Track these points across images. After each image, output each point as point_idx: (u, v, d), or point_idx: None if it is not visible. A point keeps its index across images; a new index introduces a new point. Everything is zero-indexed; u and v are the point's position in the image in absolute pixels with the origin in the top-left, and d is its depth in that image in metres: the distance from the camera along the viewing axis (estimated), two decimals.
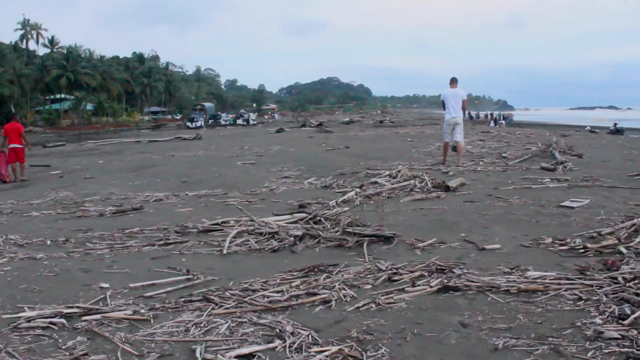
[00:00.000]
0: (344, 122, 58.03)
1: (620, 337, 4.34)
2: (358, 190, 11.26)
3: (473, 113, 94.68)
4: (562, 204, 9.78)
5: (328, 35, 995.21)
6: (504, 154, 18.00)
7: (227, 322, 4.82)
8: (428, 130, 36.52)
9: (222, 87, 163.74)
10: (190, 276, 6.20)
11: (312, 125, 49.49)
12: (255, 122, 76.00)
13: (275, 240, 7.63)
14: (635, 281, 5.38)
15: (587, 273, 5.79)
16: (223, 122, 72.93)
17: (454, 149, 16.38)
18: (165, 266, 6.69)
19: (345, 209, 9.11)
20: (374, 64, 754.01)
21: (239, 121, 74.78)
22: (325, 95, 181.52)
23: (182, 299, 5.43)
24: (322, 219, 8.38)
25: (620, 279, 5.49)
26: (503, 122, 64.11)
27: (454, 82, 16.35)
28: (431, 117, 70.38)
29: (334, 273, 6.10)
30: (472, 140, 25.33)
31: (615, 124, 50.21)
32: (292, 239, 7.55)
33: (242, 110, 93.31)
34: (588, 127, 51.29)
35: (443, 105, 16.39)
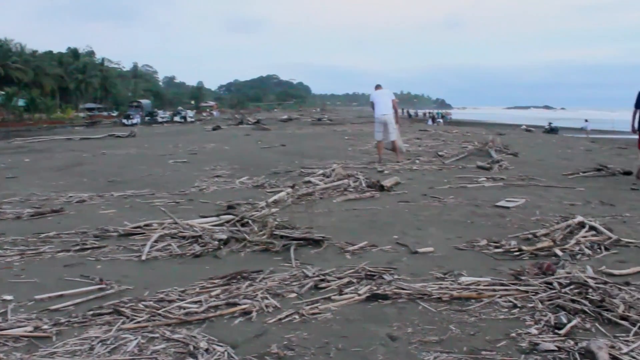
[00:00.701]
0: (282, 120, 57.76)
1: (556, 348, 4.08)
2: (290, 190, 10.88)
3: (412, 112, 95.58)
4: (497, 203, 9.60)
5: (268, 33, 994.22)
6: (440, 153, 17.91)
7: (136, 338, 4.38)
8: (366, 128, 36.32)
9: (160, 84, 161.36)
10: (103, 285, 5.72)
11: (250, 122, 49.00)
12: (192, 120, 75.04)
13: (199, 244, 7.19)
14: (571, 287, 5.14)
15: (522, 278, 5.53)
16: (160, 120, 71.86)
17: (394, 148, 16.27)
18: (78, 274, 6.18)
19: (275, 210, 8.73)
20: (313, 62, 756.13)
21: (177, 118, 73.83)
22: (264, 93, 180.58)
23: (91, 312, 4.95)
24: (249, 221, 7.97)
25: (555, 284, 5.24)
26: (441, 120, 64.81)
27: (378, 87, 16.57)
28: (370, 115, 70.18)
29: (258, 280, 5.70)
30: (410, 138, 25.25)
31: (550, 124, 51.22)
32: (217, 243, 7.12)
33: (179, 108, 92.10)
34: (524, 126, 52.12)
35: (373, 106, 16.29)
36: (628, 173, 13.41)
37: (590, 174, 13.42)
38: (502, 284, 5.37)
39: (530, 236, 7.21)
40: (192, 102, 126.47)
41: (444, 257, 6.53)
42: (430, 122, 60.81)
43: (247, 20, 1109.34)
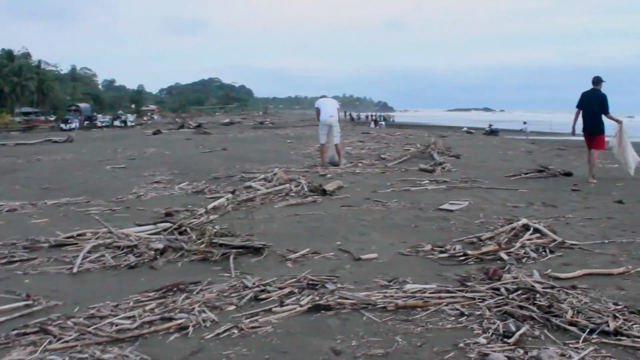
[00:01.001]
0: (224, 124, 57.11)
1: (506, 359, 3.92)
2: (230, 196, 10.60)
3: (354, 114, 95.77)
4: (441, 207, 9.51)
5: (209, 35, 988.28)
6: (383, 155, 17.83)
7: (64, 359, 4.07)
8: (308, 131, 36.19)
9: (100, 87, 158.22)
10: (30, 302, 5.35)
11: (191, 126, 48.30)
12: (133, 124, 73.78)
13: (134, 255, 6.86)
14: (519, 292, 5.01)
15: (469, 284, 5.38)
16: (99, 124, 70.40)
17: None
18: (3, 290, 5.78)
19: (215, 217, 8.44)
20: (256, 65, 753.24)
21: (116, 122, 72.38)
22: (206, 97, 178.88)
23: (15, 332, 4.58)
24: (187, 229, 7.67)
25: (503, 290, 5.11)
26: (383, 123, 65.04)
27: (324, 97, 16.59)
28: (312, 119, 70.25)
29: (195, 292, 5.41)
30: (352, 141, 25.21)
31: (491, 125, 51.80)
32: (153, 252, 6.80)
33: (119, 112, 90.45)
34: (465, 128, 52.65)
35: (317, 112, 16.05)
36: (568, 174, 13.52)
37: (532, 176, 13.48)
38: (448, 291, 5.21)
39: (475, 240, 7.10)
40: (133, 105, 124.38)
41: (389, 263, 6.36)
42: (372, 125, 60.87)
43: (188, 22, 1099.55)
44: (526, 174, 13.64)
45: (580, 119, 13.13)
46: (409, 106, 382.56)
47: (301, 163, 16.65)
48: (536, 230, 7.20)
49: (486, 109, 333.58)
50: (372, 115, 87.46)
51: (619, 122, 13.07)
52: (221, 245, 6.91)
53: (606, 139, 13.23)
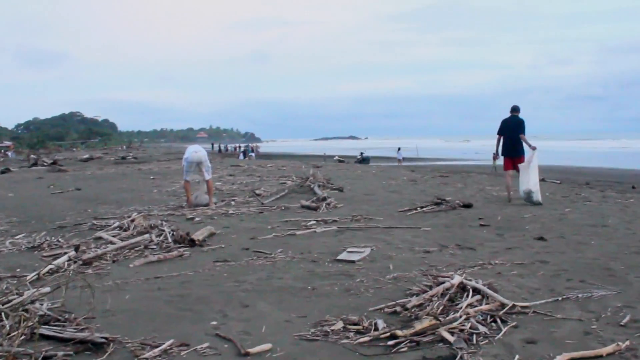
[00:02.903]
0: (83, 160, 53.37)
1: None
2: (73, 253, 8.33)
3: (222, 146, 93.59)
4: (339, 257, 7.69)
5: (69, 68, 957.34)
6: (257, 191, 15.82)
7: None
8: (174, 165, 33.63)
9: None
10: None
11: (46, 163, 44.52)
12: None
13: None
14: None
15: None
16: None
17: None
18: None
19: (45, 290, 6.20)
20: (119, 98, 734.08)
21: None
22: (67, 131, 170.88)
23: None
24: (2, 313, 5.43)
25: None
26: (253, 154, 63.16)
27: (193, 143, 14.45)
28: (178, 152, 67.38)
29: None
30: (222, 175, 23.10)
31: (362, 153, 51.19)
32: None
33: None
34: (336, 157, 51.69)
35: (185, 161, 13.83)
36: (468, 206, 12.18)
37: (429, 209, 11.96)
38: None
39: (398, 309, 5.30)
40: None
41: (289, 356, 4.44)
42: (242, 156, 58.81)
43: (45, 54, 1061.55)
44: (422, 207, 12.13)
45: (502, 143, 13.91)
46: (276, 136, 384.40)
47: (165, 203, 14.40)
48: (475, 291, 5.48)
49: (352, 137, 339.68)
50: (240, 147, 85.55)
51: (532, 148, 13.35)
52: (47, 337, 4.77)
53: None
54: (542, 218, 10.83)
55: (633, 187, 21.43)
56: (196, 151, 13.59)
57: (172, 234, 9.28)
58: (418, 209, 12.01)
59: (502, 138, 13.85)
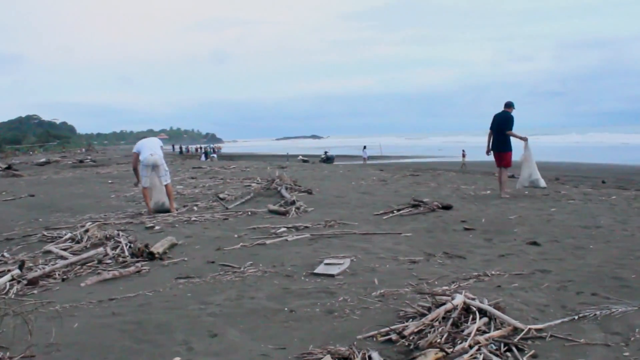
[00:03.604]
0: (40, 163, 51.76)
1: None
2: (17, 272, 7.39)
3: (183, 147, 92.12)
4: (316, 270, 6.87)
5: (25, 71, 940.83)
6: (221, 195, 14.89)
7: None
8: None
9: None
10: None
11: (0, 168, 42.97)
12: None
13: None
14: None
15: None
16: None
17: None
18: None
19: None
20: (77, 101, 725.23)
21: None
22: (24, 135, 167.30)
23: None
24: None
25: None
26: (215, 155, 62.05)
27: (148, 134, 13.40)
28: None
29: None
30: (183, 178, 22.15)
31: (326, 152, 50.61)
32: None
33: None
34: (300, 157, 50.99)
35: (136, 158, 12.87)
36: (448, 207, 11.43)
37: (406, 212, 11.22)
38: None
39: (395, 337, 4.52)
40: None
41: None
42: (203, 157, 57.63)
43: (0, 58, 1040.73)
44: (399, 210, 11.37)
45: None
46: (237, 137, 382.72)
47: (123, 210, 13.43)
48: (480, 312, 4.71)
49: (314, 136, 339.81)
50: (201, 148, 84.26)
51: (523, 139, 13.52)
52: None
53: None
54: (529, 219, 10.14)
55: (603, 182, 21.24)
56: (152, 153, 12.58)
57: (130, 247, 8.40)
58: (395, 211, 11.25)
59: (493, 134, 13.83)
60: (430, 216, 10.79)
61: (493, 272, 6.53)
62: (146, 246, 8.21)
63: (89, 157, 59.30)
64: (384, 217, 10.84)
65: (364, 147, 50.70)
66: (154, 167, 12.49)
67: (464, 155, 40.59)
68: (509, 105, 13.82)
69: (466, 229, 9.38)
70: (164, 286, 6.54)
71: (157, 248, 8.15)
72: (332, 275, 6.64)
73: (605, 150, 61.04)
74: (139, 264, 7.62)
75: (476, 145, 69.92)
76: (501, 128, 13.59)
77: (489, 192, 14.61)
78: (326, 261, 7.18)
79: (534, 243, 8.12)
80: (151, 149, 12.58)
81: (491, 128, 13.82)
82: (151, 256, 7.94)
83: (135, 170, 13.02)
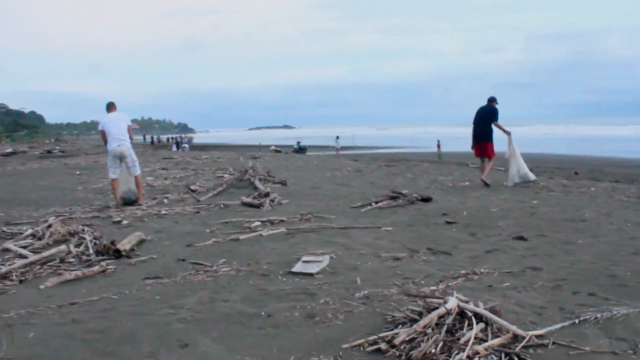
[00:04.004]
0: (5, 154, 50.69)
1: None
2: None
3: (154, 137, 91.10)
4: (293, 269, 6.45)
5: None
6: (192, 187, 14.39)
7: None
8: (102, 159, 31.59)
9: None
10: None
11: None
12: None
13: None
14: None
15: None
16: None
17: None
18: None
19: None
20: (46, 89, 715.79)
21: None
22: None
23: None
24: None
25: None
26: (186, 145, 61.27)
27: (112, 106, 12.47)
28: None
29: None
30: (153, 169, 21.55)
31: (299, 143, 50.21)
32: None
33: None
34: (273, 147, 50.51)
35: (103, 136, 12.23)
36: (427, 199, 11.10)
37: (385, 204, 10.84)
38: None
39: (383, 345, 4.12)
40: None
41: None
42: (175, 148, 56.81)
43: None
44: (377, 202, 10.99)
45: None
46: (210, 127, 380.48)
47: (90, 203, 12.87)
48: (476, 317, 4.32)
49: (286, 126, 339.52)
50: (173, 138, 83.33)
51: (507, 132, 13.53)
52: None
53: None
54: (512, 212, 9.82)
55: (576, 173, 21.27)
56: (119, 144, 11.99)
57: (95, 243, 7.89)
58: (373, 204, 10.88)
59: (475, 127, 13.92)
60: (410, 209, 10.43)
61: (482, 270, 6.16)
62: (112, 243, 7.72)
63: (57, 148, 58.32)
64: (362, 210, 10.47)
65: (337, 138, 50.27)
66: (121, 157, 11.97)
67: (439, 146, 40.61)
68: (493, 100, 14.01)
69: (448, 223, 9.03)
70: (131, 288, 6.07)
71: (124, 245, 7.66)
72: (311, 274, 6.22)
73: (573, 141, 61.49)
74: (104, 263, 7.13)
75: (448, 136, 69.99)
76: (485, 119, 13.67)
77: (467, 183, 14.32)
78: (304, 258, 6.76)
79: (521, 238, 7.78)
80: (117, 138, 11.98)
81: (474, 122, 13.89)
82: (117, 254, 7.45)
83: (106, 145, 12.44)
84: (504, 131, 13.51)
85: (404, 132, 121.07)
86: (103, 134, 12.17)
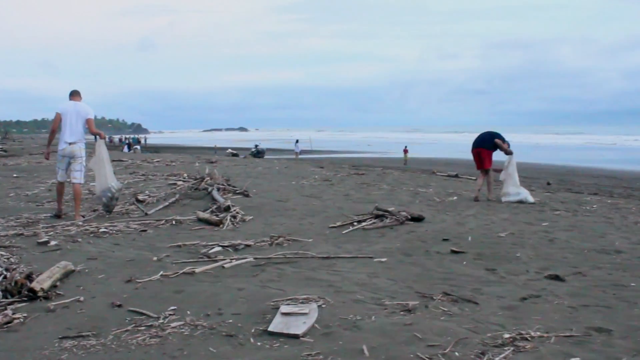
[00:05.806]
0: None
1: None
2: None
3: (107, 138, 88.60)
4: (271, 328, 4.66)
5: None
6: (140, 197, 12.45)
7: None
8: (49, 160, 29.40)
9: None
10: None
11: None
12: None
13: None
14: None
15: None
16: None
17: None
18: None
19: None
20: None
21: None
22: None
23: None
24: None
25: None
26: (138, 147, 59.01)
27: (76, 94, 10.77)
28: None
29: None
30: None
31: (257, 146, 48.54)
32: None
33: None
34: (229, 150, 48.73)
35: (55, 123, 10.56)
36: (419, 219, 9.43)
37: (370, 224, 9.15)
38: None
39: None
40: None
41: None
42: (126, 149, 54.39)
43: None
44: (360, 222, 9.31)
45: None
46: (163, 127, 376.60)
47: (18, 214, 10.82)
48: None
49: (241, 129, 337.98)
50: (125, 138, 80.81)
51: (509, 153, 12.95)
52: None
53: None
54: (526, 238, 8.22)
55: (548, 184, 21.37)
56: (71, 142, 10.17)
57: (4, 277, 6.02)
58: (355, 223, 9.19)
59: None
60: (401, 231, 8.76)
61: (532, 333, 4.47)
62: (28, 277, 5.87)
63: (1, 147, 55.44)
64: (343, 232, 8.76)
65: (297, 142, 48.46)
66: (70, 158, 10.14)
67: (405, 152, 39.85)
68: (499, 137, 13.32)
69: (454, 252, 7.36)
70: (40, 354, 4.25)
71: (43, 282, 5.78)
72: (296, 336, 4.47)
73: (532, 149, 60.99)
74: (11, 308, 5.29)
75: (404, 141, 68.82)
76: (491, 136, 13.18)
77: (455, 197, 12.73)
78: (283, 309, 4.98)
79: (556, 277, 6.14)
80: (69, 137, 10.16)
81: (473, 145, 13.24)
82: (32, 294, 5.61)
83: (53, 133, 10.94)
84: (506, 151, 12.92)
85: (360, 137, 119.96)
86: (57, 120, 10.48)
